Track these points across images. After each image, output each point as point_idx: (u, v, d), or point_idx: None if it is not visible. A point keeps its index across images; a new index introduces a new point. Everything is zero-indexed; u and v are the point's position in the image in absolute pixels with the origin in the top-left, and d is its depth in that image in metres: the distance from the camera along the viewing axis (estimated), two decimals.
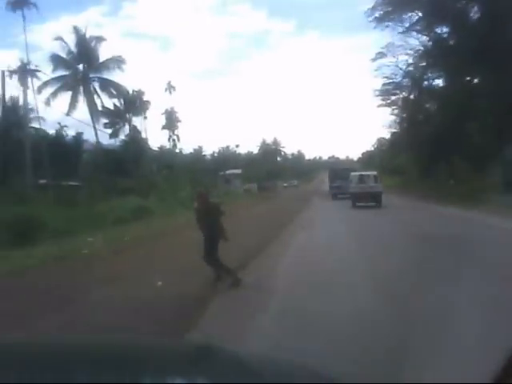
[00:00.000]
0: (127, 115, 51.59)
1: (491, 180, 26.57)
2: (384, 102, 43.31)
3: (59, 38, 39.59)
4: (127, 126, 51.70)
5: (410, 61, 38.93)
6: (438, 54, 34.39)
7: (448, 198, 25.32)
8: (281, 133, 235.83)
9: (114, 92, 44.08)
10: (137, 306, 6.33)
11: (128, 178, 35.90)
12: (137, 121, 53.47)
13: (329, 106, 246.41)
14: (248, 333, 5.21)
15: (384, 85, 41.00)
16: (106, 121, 48.88)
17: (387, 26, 36.27)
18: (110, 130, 50.44)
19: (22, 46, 47.94)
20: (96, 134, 40.88)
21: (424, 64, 37.94)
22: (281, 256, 10.73)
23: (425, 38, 37.00)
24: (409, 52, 37.83)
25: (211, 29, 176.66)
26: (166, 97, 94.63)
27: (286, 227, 17.11)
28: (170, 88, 63.85)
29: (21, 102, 34.77)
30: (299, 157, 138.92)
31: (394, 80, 40.45)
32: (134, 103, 52.27)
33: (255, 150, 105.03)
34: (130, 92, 50.59)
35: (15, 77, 35.75)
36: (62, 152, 38.23)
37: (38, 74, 37.81)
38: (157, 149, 61.63)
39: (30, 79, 36.24)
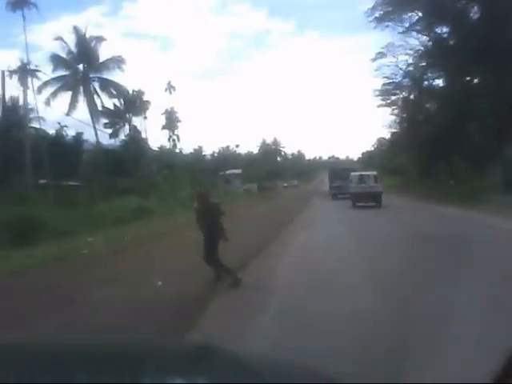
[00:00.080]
0: (127, 115, 51.60)
1: (491, 180, 26.56)
2: (384, 102, 43.37)
3: (59, 38, 39.66)
4: (127, 126, 51.78)
5: (410, 61, 39.00)
6: (438, 54, 34.38)
7: (448, 197, 25.32)
8: (281, 133, 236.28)
9: (114, 92, 44.10)
10: (137, 306, 6.33)
11: (128, 178, 35.91)
12: (137, 121, 53.54)
13: (329, 106, 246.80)
14: (248, 333, 5.21)
15: (384, 85, 41.06)
16: (106, 121, 48.96)
17: (387, 26, 36.33)
18: (110, 130, 50.51)
19: (22, 46, 48.20)
20: (96, 134, 40.94)
21: (424, 64, 37.95)
22: (281, 256, 10.74)
23: (425, 38, 37.05)
24: (409, 52, 37.90)
25: (211, 29, 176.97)
26: (165, 97, 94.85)
27: (285, 227, 17.12)
28: (170, 88, 63.89)
29: (21, 102, 34.82)
30: (299, 157, 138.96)
31: (394, 80, 40.49)
32: (134, 103, 52.28)
33: (255, 150, 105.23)
34: (130, 92, 50.65)
35: (15, 77, 35.80)
36: (62, 152, 38.23)
37: (38, 74, 37.86)
38: (157, 149, 61.70)
39: (30, 79, 36.29)
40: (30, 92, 36.22)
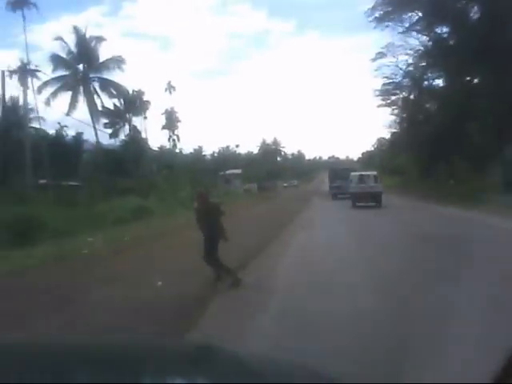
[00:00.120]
0: (127, 115, 51.59)
1: (491, 180, 26.56)
2: (384, 102, 43.35)
3: (59, 38, 39.65)
4: (127, 126, 51.78)
5: (410, 61, 38.98)
6: (438, 54, 34.38)
7: (448, 198, 25.31)
8: (281, 133, 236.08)
9: (114, 92, 44.08)
10: (136, 306, 6.30)
11: (128, 178, 35.90)
12: (137, 121, 53.53)
13: (329, 106, 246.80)
14: (248, 333, 5.20)
15: (384, 85, 41.04)
16: (106, 121, 48.96)
17: (387, 26, 36.31)
18: (110, 130, 50.50)
19: (22, 46, 48.13)
20: (96, 134, 40.92)
21: (424, 64, 37.93)
22: (281, 256, 10.73)
23: (425, 38, 37.03)
24: (409, 52, 37.88)
25: (211, 29, 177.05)
26: (166, 97, 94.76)
27: (285, 227, 17.11)
28: (170, 88, 63.87)
29: (21, 102, 34.81)
30: (299, 157, 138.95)
31: (394, 80, 40.47)
32: (134, 103, 52.26)
33: (255, 150, 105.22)
34: (130, 92, 50.64)
35: (16, 77, 35.78)
36: (62, 152, 38.22)
37: (38, 74, 37.85)
38: (157, 149, 61.70)
39: (30, 79, 36.28)
40: (30, 92, 36.25)
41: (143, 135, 53.51)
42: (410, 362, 3.96)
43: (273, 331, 5.25)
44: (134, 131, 51.87)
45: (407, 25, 36.35)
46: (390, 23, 36.21)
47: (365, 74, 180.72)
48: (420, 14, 35.51)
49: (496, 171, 27.18)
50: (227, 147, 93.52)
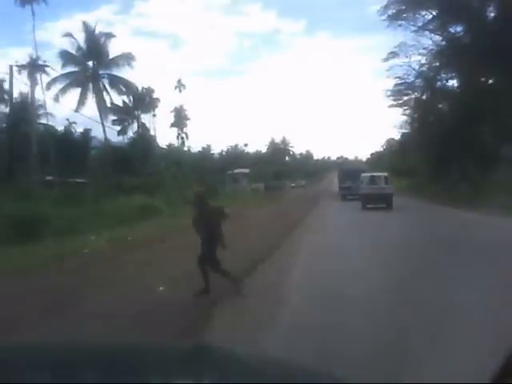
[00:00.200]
0: (136, 112, 51.47)
1: (504, 182, 25.91)
2: (396, 103, 42.68)
3: (69, 35, 39.51)
4: (136, 124, 51.65)
5: (423, 61, 38.34)
6: (451, 54, 33.75)
7: (459, 200, 24.74)
8: (290, 132, 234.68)
9: (124, 89, 43.84)
10: (131, 315, 5.80)
11: (135, 176, 35.71)
12: (146, 118, 53.42)
13: (338, 107, 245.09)
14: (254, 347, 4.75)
15: (396, 85, 40.41)
16: (114, 118, 48.84)
17: (400, 25, 35.66)
18: (118, 127, 50.40)
19: (34, 43, 48.07)
20: (104, 131, 40.73)
21: (437, 64, 37.31)
22: (288, 264, 9.98)
23: (438, 38, 36.38)
24: (422, 52, 37.20)
25: (221, 28, 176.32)
26: (175, 95, 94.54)
27: (294, 230, 16.54)
28: (180, 86, 63.64)
29: (30, 97, 34.70)
30: (308, 156, 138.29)
31: (407, 80, 39.82)
32: (143, 100, 52.15)
33: (264, 149, 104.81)
34: (140, 89, 50.45)
35: (25, 73, 35.69)
36: (70, 148, 38.17)
37: (48, 70, 37.72)
38: (165, 147, 61.55)
39: (39, 75, 36.18)
40: (39, 88, 36.18)
41: (152, 133, 53.48)
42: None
43: (280, 344, 4.80)
44: (143, 128, 51.77)
45: (420, 24, 35.78)
46: (402, 22, 35.64)
47: (374, 75, 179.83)
48: (434, 13, 34.90)
49: (509, 173, 26.55)
50: (236, 146, 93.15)
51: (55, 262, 9.87)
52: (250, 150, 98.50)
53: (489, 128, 32.13)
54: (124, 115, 50.55)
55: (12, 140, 31.05)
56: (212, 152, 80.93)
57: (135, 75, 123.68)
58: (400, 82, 39.90)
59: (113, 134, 47.67)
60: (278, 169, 77.04)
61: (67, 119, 44.71)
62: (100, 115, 40.19)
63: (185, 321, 5.60)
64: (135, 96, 49.71)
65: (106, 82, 41.64)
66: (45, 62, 37.88)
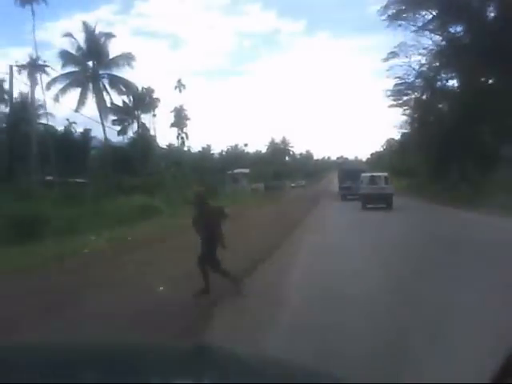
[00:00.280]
0: (136, 112, 51.44)
1: (504, 182, 25.89)
2: (395, 103, 42.64)
3: (69, 34, 39.47)
4: (136, 124, 51.61)
5: (423, 61, 38.32)
6: (451, 54, 33.72)
7: (459, 200, 24.72)
8: (290, 132, 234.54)
9: (124, 89, 43.79)
10: (130, 315, 5.76)
11: (135, 176, 35.68)
12: (145, 118, 53.37)
13: (337, 107, 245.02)
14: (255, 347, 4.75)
15: (396, 85, 40.37)
16: (114, 118, 48.80)
17: (400, 25, 35.64)
18: (118, 127, 50.36)
19: (34, 43, 48.05)
20: (104, 131, 40.71)
21: (437, 64, 37.28)
22: (288, 264, 9.98)
23: (438, 38, 36.35)
24: (422, 52, 37.18)
25: (221, 28, 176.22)
26: (175, 95, 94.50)
27: (294, 229, 16.59)
28: (180, 86, 63.60)
29: (29, 97, 34.68)
30: (307, 157, 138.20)
31: (407, 80, 39.79)
32: (143, 100, 52.11)
33: (264, 149, 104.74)
34: (140, 89, 50.40)
35: (25, 74, 35.64)
36: (70, 148, 38.13)
37: (48, 70, 37.68)
38: (165, 147, 61.50)
39: (39, 75, 36.14)
40: (39, 88, 36.13)
41: (152, 133, 53.44)
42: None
43: (281, 344, 4.79)
44: (143, 128, 51.74)
45: (420, 24, 35.76)
46: (402, 22, 35.60)
47: (374, 75, 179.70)
48: (434, 13, 34.88)
49: (509, 173, 26.52)
50: (236, 146, 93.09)
51: (55, 262, 9.84)
52: (250, 150, 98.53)
53: (489, 128, 32.11)
54: (124, 115, 50.52)
55: (12, 140, 31.02)
56: (212, 152, 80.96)
57: (135, 75, 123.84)
58: (400, 82, 39.93)
59: (113, 134, 47.69)
60: (277, 169, 76.99)
61: (67, 119, 44.73)
62: (100, 115, 40.18)
63: (185, 321, 5.58)
64: (135, 96, 49.67)
65: (105, 81, 41.65)
66: (45, 61, 37.89)
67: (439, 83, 38.78)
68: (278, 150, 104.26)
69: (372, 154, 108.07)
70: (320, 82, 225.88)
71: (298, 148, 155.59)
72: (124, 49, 67.66)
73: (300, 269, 9.42)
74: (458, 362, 4.05)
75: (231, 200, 31.47)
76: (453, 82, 38.96)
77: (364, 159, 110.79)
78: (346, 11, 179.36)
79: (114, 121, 48.97)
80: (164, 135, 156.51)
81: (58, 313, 6.13)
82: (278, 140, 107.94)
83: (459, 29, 34.94)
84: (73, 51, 39.58)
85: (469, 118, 30.46)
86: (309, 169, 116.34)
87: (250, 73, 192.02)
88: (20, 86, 59.39)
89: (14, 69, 32.56)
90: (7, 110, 34.98)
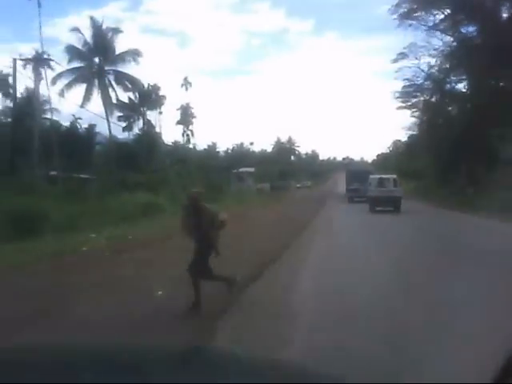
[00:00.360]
0: (142, 109, 51.19)
1: None
2: (404, 105, 42.21)
3: (75, 29, 39.20)
4: (141, 120, 51.34)
5: (433, 62, 37.80)
6: (462, 55, 33.18)
7: (467, 204, 24.20)
8: (296, 132, 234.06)
9: (129, 85, 43.49)
10: (123, 323, 5.26)
11: (140, 173, 35.37)
12: (151, 115, 53.13)
13: (344, 107, 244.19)
14: None
15: (405, 87, 39.93)
16: (120, 114, 48.57)
17: (410, 25, 35.11)
18: (124, 124, 50.12)
19: (43, 39, 47.99)
20: (109, 127, 40.42)
21: (447, 66, 36.74)
22: (296, 272, 9.30)
23: (449, 39, 35.80)
24: (432, 53, 36.65)
25: (229, 26, 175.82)
26: (182, 93, 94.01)
27: (301, 233, 16.06)
28: (187, 84, 63.29)
29: (34, 92, 34.40)
30: (313, 156, 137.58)
31: (416, 82, 39.31)
32: (149, 97, 51.84)
33: (269, 149, 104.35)
34: (146, 86, 50.12)
35: (30, 68, 35.33)
36: (75, 144, 37.85)
37: (54, 65, 37.35)
38: (171, 144, 61.23)
39: (44, 70, 35.82)
40: (44, 83, 35.83)
41: (157, 130, 53.18)
42: None
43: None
44: (148, 125, 51.48)
45: (431, 24, 35.22)
46: (413, 22, 35.09)
47: (382, 76, 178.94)
48: (445, 13, 34.34)
49: None
50: (241, 144, 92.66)
51: (50, 260, 9.46)
52: (256, 148, 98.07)
53: (500, 131, 31.54)
54: (130, 112, 50.31)
55: (15, 134, 30.73)
56: (217, 150, 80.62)
57: (142, 72, 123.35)
58: (409, 83, 39.53)
59: (118, 131, 47.46)
60: (283, 168, 76.61)
61: (73, 115, 44.46)
62: (105, 111, 39.92)
63: (181, 330, 5.15)
64: (141, 93, 49.40)
65: (111, 78, 41.37)
66: (49, 55, 37.54)
67: (448, 86, 38.31)
68: (284, 150, 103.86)
69: (378, 156, 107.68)
70: (327, 82, 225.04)
71: (303, 148, 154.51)
72: (132, 46, 67.42)
73: (310, 271, 9.14)
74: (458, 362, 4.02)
75: (237, 200, 31.07)
76: (463, 85, 38.46)
77: (370, 160, 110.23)
78: (355, 11, 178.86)
79: (119, 117, 48.80)
80: (169, 132, 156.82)
81: (35, 319, 5.66)
82: (283, 139, 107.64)
83: (471, 29, 34.45)
84: (79, 46, 39.37)
85: (479, 121, 29.92)
86: (314, 169, 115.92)
87: (257, 72, 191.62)
88: (26, 80, 59.33)
89: (20, 63, 32.39)
90: (12, 104, 34.73)
